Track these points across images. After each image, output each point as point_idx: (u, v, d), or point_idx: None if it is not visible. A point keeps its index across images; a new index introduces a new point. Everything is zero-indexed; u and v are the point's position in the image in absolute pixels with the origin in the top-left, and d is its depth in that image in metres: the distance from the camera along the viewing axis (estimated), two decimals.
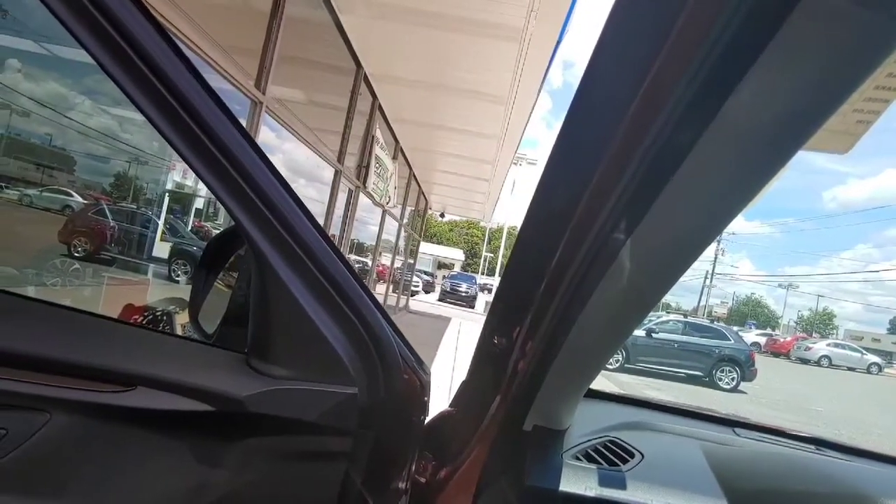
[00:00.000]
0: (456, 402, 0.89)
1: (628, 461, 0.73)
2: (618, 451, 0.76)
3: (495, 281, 35.57)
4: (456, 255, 41.88)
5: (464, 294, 23.10)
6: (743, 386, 12.49)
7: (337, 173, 6.16)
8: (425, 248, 33.13)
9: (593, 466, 0.68)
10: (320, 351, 0.63)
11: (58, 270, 7.57)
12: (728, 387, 12.27)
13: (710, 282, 46.90)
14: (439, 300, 23.00)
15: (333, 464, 0.65)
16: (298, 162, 6.23)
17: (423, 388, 0.73)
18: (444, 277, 28.79)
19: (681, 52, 0.39)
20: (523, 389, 0.66)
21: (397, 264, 13.24)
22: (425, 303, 19.87)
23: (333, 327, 0.63)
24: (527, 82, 6.02)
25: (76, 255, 8.43)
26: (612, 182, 0.49)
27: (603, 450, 0.76)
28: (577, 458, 0.71)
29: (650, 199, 0.47)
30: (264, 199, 0.60)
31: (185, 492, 0.62)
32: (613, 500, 0.62)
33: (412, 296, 17.68)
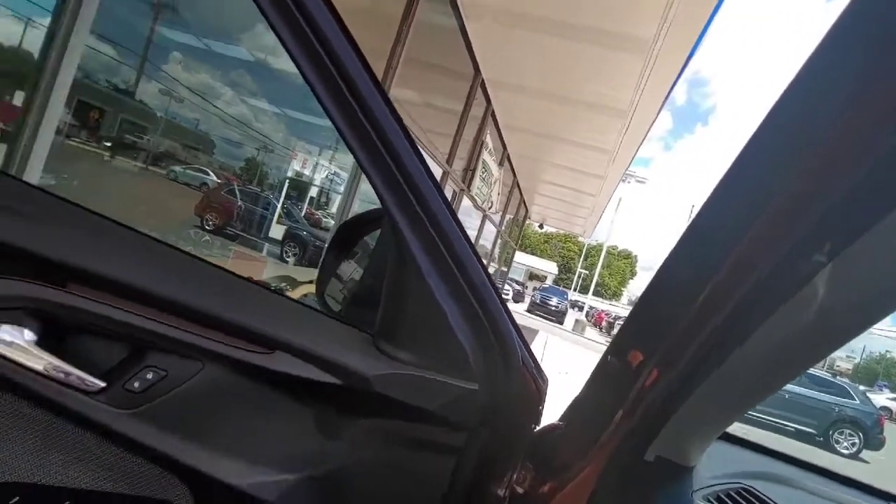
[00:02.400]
0: (566, 418, 0.84)
1: None
2: (754, 501, 0.68)
3: (588, 299, 34.33)
4: (549, 267, 41.04)
5: (553, 308, 22.52)
6: (866, 455, 10.92)
7: (444, 174, 6.29)
8: (519, 257, 32.79)
9: None
10: (447, 343, 0.63)
11: (191, 240, 8.53)
12: (846, 452, 10.79)
13: None
14: (528, 311, 22.63)
15: (445, 457, 0.65)
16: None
17: (539, 396, 0.72)
18: (534, 289, 28.31)
19: None
20: (652, 416, 0.60)
21: (490, 270, 13.22)
22: (514, 313, 19.61)
23: (462, 322, 0.63)
24: (649, 98, 5.74)
25: (207, 228, 9.45)
26: (821, 186, 0.41)
27: (737, 497, 0.69)
28: (709, 502, 0.64)
29: (880, 211, 0.38)
30: (413, 187, 0.61)
31: (306, 457, 0.65)
32: None
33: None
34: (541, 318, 21.30)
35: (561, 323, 22.11)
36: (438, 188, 0.64)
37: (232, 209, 10.32)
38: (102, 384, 0.59)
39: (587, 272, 49.93)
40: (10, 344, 0.56)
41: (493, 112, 7.35)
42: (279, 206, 11.69)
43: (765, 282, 0.47)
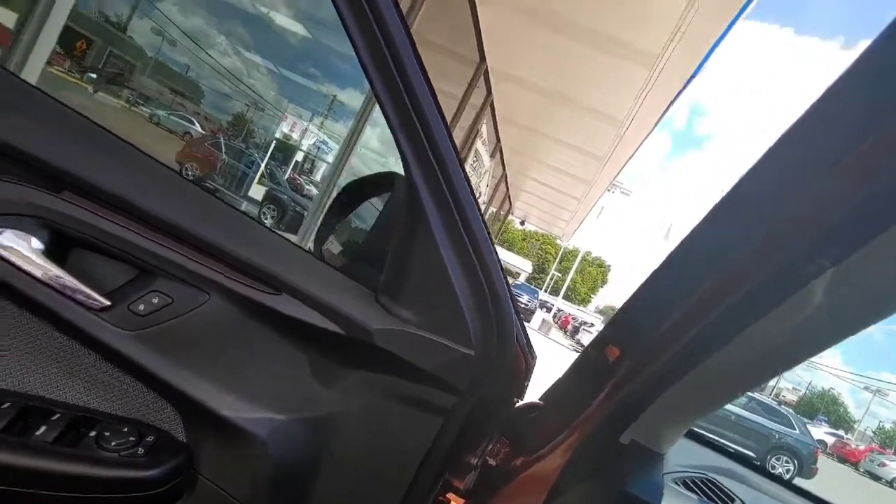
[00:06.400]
0: (546, 398, 0.86)
1: None
2: (717, 491, 0.70)
3: (557, 301, 34.80)
4: (524, 265, 41.34)
5: (523, 306, 22.80)
6: (798, 482, 11.41)
7: None
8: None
9: (695, 497, 0.64)
10: (449, 306, 0.64)
11: None
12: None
13: None
14: None
15: (432, 417, 0.66)
16: None
17: (527, 372, 0.73)
18: None
19: None
20: (633, 401, 0.63)
21: None
22: None
23: (466, 289, 0.64)
24: (647, 110, 5.79)
25: (186, 177, 9.22)
26: (812, 208, 0.43)
27: (702, 485, 0.71)
28: (676, 484, 0.66)
29: (866, 234, 0.41)
30: (435, 150, 0.62)
31: (299, 399, 0.67)
32: None
33: None
34: None
35: (528, 321, 22.40)
36: (458, 153, 0.64)
37: (215, 162, 10.06)
38: (107, 302, 0.60)
39: (560, 275, 50.55)
40: (15, 250, 0.56)
41: (492, 102, 7.32)
42: (263, 165, 11.48)
43: (744, 298, 0.50)
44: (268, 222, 9.70)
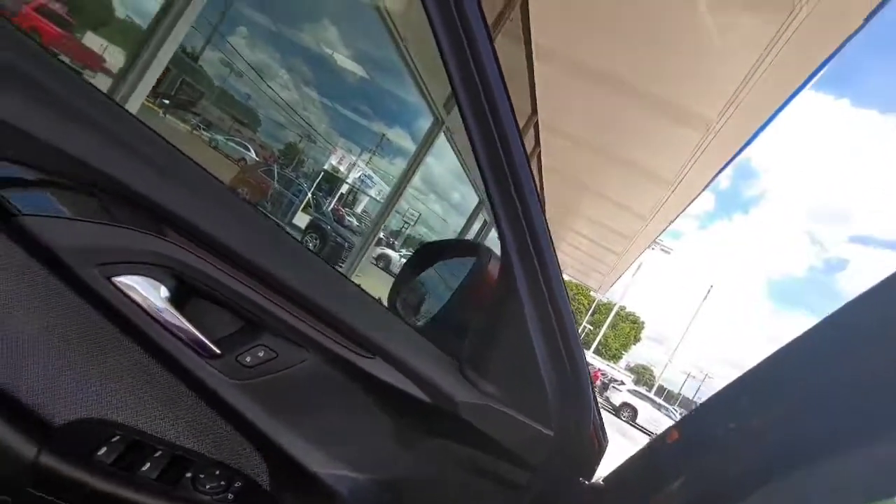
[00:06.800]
0: (611, 480, 0.84)
1: None
2: None
3: (587, 355, 33.83)
4: None
5: None
6: None
7: (480, 202, 6.33)
8: None
9: None
10: (533, 387, 0.66)
11: None
12: None
13: None
14: None
15: (505, 491, 0.68)
16: (449, 184, 6.50)
17: (599, 453, 0.74)
18: None
19: None
20: (708, 500, 0.60)
21: None
22: None
23: (550, 370, 0.66)
24: (696, 174, 5.73)
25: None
26: None
27: None
28: None
29: None
30: (533, 234, 0.64)
31: (378, 460, 0.69)
32: None
33: None
34: None
35: None
36: (550, 237, 0.66)
37: (266, 189, 10.48)
38: (218, 351, 0.63)
39: (591, 328, 49.39)
40: (142, 294, 0.60)
41: (539, 153, 7.40)
42: (309, 194, 11.87)
43: (833, 427, 0.50)
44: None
